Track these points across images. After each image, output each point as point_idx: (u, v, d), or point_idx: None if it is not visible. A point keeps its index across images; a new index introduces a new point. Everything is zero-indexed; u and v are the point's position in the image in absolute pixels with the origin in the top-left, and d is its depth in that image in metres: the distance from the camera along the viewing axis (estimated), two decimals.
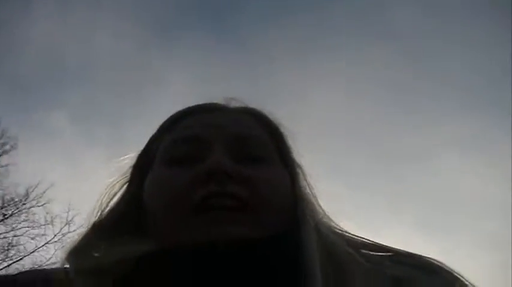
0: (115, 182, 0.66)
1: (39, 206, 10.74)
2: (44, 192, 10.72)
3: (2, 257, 10.20)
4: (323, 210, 0.63)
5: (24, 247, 10.41)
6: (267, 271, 0.51)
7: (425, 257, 0.60)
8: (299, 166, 0.65)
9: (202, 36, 11.12)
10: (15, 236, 10.53)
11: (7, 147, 11.27)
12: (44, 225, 10.50)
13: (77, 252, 0.58)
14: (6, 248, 10.37)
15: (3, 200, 10.79)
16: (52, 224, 10.40)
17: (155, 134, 0.67)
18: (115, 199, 0.64)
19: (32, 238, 10.44)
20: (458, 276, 0.58)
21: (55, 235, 10.31)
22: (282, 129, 0.67)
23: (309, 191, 0.64)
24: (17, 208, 10.78)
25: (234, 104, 0.69)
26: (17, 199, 10.81)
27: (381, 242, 0.62)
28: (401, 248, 0.61)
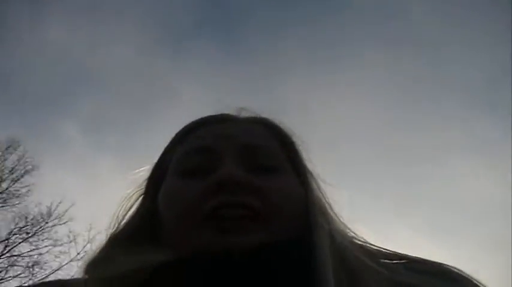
0: (131, 195, 0.67)
1: (61, 224, 10.92)
2: (66, 211, 10.90)
3: (27, 275, 10.35)
4: (338, 217, 0.63)
5: (49, 265, 10.55)
6: (280, 276, 0.51)
7: (443, 264, 0.59)
8: (312, 174, 0.65)
9: (213, 47, 11.29)
10: (39, 254, 10.70)
11: (29, 167, 11.53)
12: (68, 243, 10.64)
13: (95, 263, 0.59)
14: (30, 266, 10.53)
15: (26, 219, 10.99)
16: (75, 242, 10.54)
17: (168, 145, 0.68)
18: (131, 212, 0.65)
19: (56, 256, 10.59)
20: (477, 283, 0.57)
21: (78, 253, 10.43)
22: (294, 138, 0.67)
23: (322, 198, 0.64)
24: (40, 227, 10.97)
25: (245, 114, 0.69)
26: (39, 218, 11.01)
27: (394, 249, 0.61)
28: (413, 254, 0.60)
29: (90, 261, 0.59)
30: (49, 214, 11.02)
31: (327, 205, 0.64)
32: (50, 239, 10.88)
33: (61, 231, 10.93)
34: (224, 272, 0.51)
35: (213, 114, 0.69)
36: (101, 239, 0.63)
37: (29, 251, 10.72)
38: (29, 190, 11.35)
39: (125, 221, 0.64)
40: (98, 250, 0.61)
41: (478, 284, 0.57)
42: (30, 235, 10.87)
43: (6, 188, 11.40)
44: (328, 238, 0.55)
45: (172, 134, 0.69)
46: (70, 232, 10.69)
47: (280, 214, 0.56)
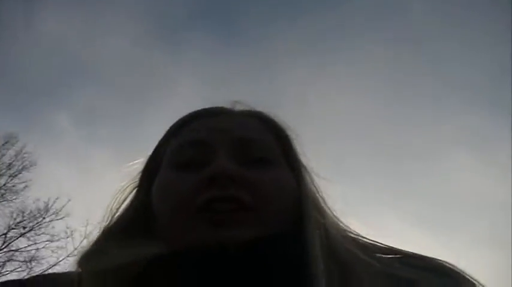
0: (124, 188, 0.67)
1: (58, 219, 10.93)
2: (63, 206, 10.90)
3: (24, 269, 10.37)
4: (331, 211, 0.63)
5: (46, 260, 10.57)
6: (272, 269, 0.51)
7: (437, 259, 0.59)
8: (306, 168, 0.65)
9: (208, 39, 11.17)
10: (36, 249, 10.71)
11: (26, 163, 11.52)
12: (65, 238, 10.65)
13: (89, 256, 0.59)
14: (28, 260, 10.54)
15: (23, 214, 10.99)
16: (72, 237, 10.54)
17: (162, 138, 0.68)
18: (125, 204, 0.65)
19: (53, 251, 10.60)
20: (470, 278, 0.57)
21: (75, 248, 10.43)
22: (288, 132, 0.67)
23: (316, 192, 0.64)
24: (37, 222, 10.97)
25: (239, 107, 0.69)
26: (37, 213, 11.01)
27: (389, 244, 0.61)
28: (409, 249, 0.61)
29: (84, 254, 0.59)
30: (46, 209, 11.03)
31: (320, 198, 0.64)
32: (47, 234, 10.87)
33: (58, 226, 10.95)
34: (217, 265, 0.51)
35: (207, 107, 0.69)
36: (94, 232, 0.62)
37: (26, 246, 10.74)
38: (26, 186, 11.36)
39: (118, 214, 0.64)
40: (91, 243, 0.61)
41: (471, 279, 0.57)
42: (27, 230, 10.88)
43: (4, 184, 11.40)
44: (321, 231, 0.56)
45: (167, 127, 0.68)
46: (67, 227, 10.71)
47: (272, 207, 0.56)
